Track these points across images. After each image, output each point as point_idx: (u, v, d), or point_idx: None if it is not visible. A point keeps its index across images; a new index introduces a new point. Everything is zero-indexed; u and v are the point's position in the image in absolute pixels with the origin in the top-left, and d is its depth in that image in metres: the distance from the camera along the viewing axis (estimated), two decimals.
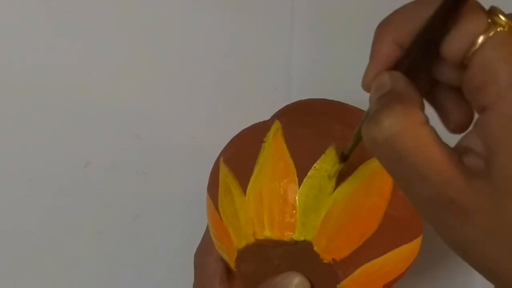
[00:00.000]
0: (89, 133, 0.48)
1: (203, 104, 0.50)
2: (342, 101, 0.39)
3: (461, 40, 0.23)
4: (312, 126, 0.35)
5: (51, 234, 0.47)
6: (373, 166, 0.33)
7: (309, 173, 0.33)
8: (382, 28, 0.25)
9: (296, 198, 0.33)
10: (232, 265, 0.36)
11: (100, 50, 0.48)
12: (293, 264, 0.34)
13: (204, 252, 0.39)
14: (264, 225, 0.33)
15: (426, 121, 0.23)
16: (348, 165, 0.33)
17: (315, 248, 0.32)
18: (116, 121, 0.48)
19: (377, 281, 0.34)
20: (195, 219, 0.42)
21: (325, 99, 0.40)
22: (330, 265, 0.32)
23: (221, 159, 0.37)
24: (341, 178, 0.33)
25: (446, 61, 0.24)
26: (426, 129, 0.23)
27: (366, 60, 0.26)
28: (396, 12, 0.25)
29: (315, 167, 0.33)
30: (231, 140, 0.37)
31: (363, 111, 0.29)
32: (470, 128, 0.24)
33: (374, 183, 0.33)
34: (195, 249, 0.41)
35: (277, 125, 0.35)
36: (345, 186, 0.32)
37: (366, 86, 0.26)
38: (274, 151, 0.34)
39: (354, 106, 0.38)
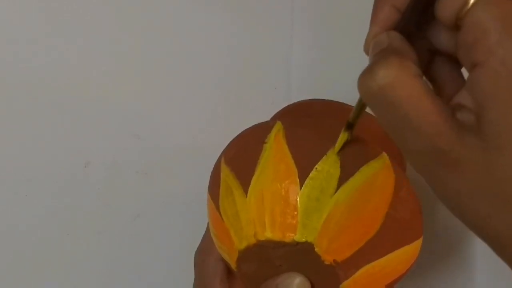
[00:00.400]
0: (89, 133, 0.48)
1: (203, 104, 0.50)
2: (342, 101, 0.40)
3: (453, 0, 0.23)
4: (313, 127, 0.35)
5: (51, 234, 0.47)
6: (374, 167, 0.33)
7: (310, 174, 0.33)
8: None
9: (298, 199, 0.33)
10: (233, 265, 0.36)
11: (100, 50, 0.48)
12: (294, 265, 0.34)
13: (205, 252, 0.39)
14: (266, 226, 0.33)
15: (420, 74, 0.23)
16: (349, 165, 0.33)
17: (316, 249, 0.32)
18: (116, 121, 0.48)
19: (378, 282, 0.34)
20: (195, 219, 0.42)
21: (327, 100, 0.40)
22: (331, 266, 0.32)
23: (222, 159, 0.36)
24: (342, 179, 0.33)
25: (440, 22, 0.24)
26: (420, 81, 0.23)
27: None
28: None
29: (316, 168, 0.33)
30: (232, 140, 0.37)
31: None
32: None
33: (375, 185, 0.33)
34: (195, 249, 0.41)
35: (278, 126, 0.35)
36: (346, 188, 0.32)
37: (366, 49, 0.27)
38: (276, 152, 0.34)
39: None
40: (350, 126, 0.32)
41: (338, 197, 0.32)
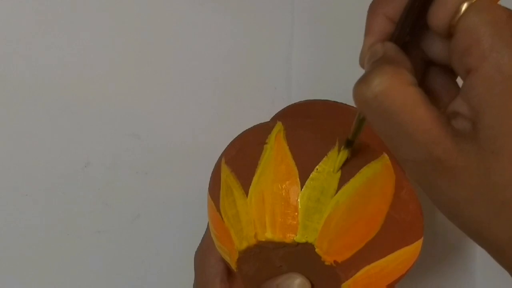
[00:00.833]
0: (89, 133, 0.48)
1: (203, 104, 0.50)
2: (342, 102, 0.40)
3: (445, 8, 0.23)
4: (314, 128, 0.35)
5: (51, 234, 0.47)
6: (375, 168, 0.33)
7: (311, 175, 0.33)
8: (374, 4, 0.26)
9: (298, 200, 0.33)
10: (233, 266, 0.36)
11: (100, 50, 0.48)
12: (294, 265, 0.34)
13: (205, 252, 0.40)
14: (266, 226, 0.33)
15: (415, 83, 0.23)
16: (350, 166, 0.33)
17: (316, 250, 0.32)
18: (116, 121, 0.48)
19: (378, 282, 0.34)
20: (195, 219, 0.42)
21: (327, 100, 0.40)
22: (332, 267, 0.32)
23: (223, 160, 0.36)
24: (343, 180, 0.33)
25: (433, 30, 0.24)
26: (415, 90, 0.23)
27: None
28: None
29: (317, 169, 0.33)
30: (232, 141, 0.37)
31: None
32: None
33: (376, 186, 0.33)
34: (195, 249, 0.41)
35: (279, 126, 0.35)
36: (347, 188, 0.32)
37: (362, 61, 0.26)
38: (276, 153, 0.34)
39: (356, 107, 0.38)
40: (349, 144, 0.32)
41: (338, 198, 0.32)
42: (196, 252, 0.40)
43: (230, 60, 0.50)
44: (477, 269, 0.50)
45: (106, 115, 0.48)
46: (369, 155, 0.33)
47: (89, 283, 0.48)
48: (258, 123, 0.38)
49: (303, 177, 0.33)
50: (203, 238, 0.41)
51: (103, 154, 0.48)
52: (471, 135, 0.23)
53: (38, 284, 0.48)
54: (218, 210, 0.36)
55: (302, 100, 0.42)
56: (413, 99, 0.23)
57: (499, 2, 0.23)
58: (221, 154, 0.37)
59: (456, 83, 0.26)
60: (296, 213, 0.32)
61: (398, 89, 0.23)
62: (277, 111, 0.43)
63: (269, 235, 0.33)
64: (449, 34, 0.24)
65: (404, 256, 0.34)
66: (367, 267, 0.33)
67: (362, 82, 0.23)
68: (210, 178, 0.38)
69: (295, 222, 0.32)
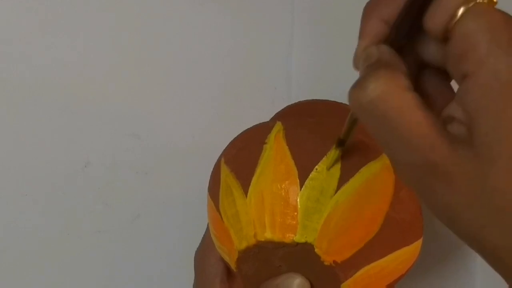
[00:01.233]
0: (89, 133, 0.48)
1: (203, 104, 0.50)
2: (342, 102, 0.39)
3: (442, 12, 0.23)
4: (313, 128, 0.35)
5: (51, 234, 0.47)
6: (374, 168, 0.33)
7: (310, 175, 0.33)
8: (369, 6, 0.26)
9: (298, 200, 0.33)
10: (233, 266, 0.36)
11: (100, 50, 0.48)
12: (294, 265, 0.34)
13: (205, 252, 0.40)
14: (265, 226, 0.33)
15: (411, 87, 0.23)
16: (349, 165, 0.33)
17: (316, 250, 0.32)
18: (116, 121, 0.48)
19: (378, 282, 0.34)
20: (195, 219, 0.42)
21: (327, 100, 0.40)
22: (331, 267, 0.32)
23: (222, 159, 0.36)
24: (342, 179, 0.33)
25: (429, 34, 0.24)
26: (411, 94, 0.23)
27: None
28: None
29: (316, 169, 0.33)
30: (232, 140, 0.37)
31: None
32: None
33: (376, 185, 0.33)
34: (195, 249, 0.41)
35: (278, 126, 0.35)
36: (346, 188, 0.32)
37: (356, 63, 0.26)
38: (276, 153, 0.34)
39: None
40: (341, 143, 0.32)
41: (338, 198, 0.32)
42: (196, 252, 0.40)
43: (230, 60, 0.50)
44: (477, 269, 0.50)
45: (106, 115, 0.48)
46: (368, 155, 0.33)
47: (89, 283, 0.48)
48: (258, 123, 0.38)
49: (303, 177, 0.33)
50: (203, 238, 0.41)
51: (103, 154, 0.48)
52: (466, 141, 0.22)
53: (38, 284, 0.48)
54: (218, 210, 0.36)
55: (302, 100, 0.42)
56: (409, 103, 0.23)
57: (496, 6, 0.23)
58: (221, 154, 0.37)
59: (450, 86, 0.26)
60: (296, 213, 0.32)
61: (394, 94, 0.23)
62: (277, 111, 0.43)
63: (268, 235, 0.33)
64: (445, 38, 0.23)
65: (403, 256, 0.34)
66: (366, 267, 0.33)
67: (358, 86, 0.23)
68: (210, 178, 0.38)
69: (294, 222, 0.32)
